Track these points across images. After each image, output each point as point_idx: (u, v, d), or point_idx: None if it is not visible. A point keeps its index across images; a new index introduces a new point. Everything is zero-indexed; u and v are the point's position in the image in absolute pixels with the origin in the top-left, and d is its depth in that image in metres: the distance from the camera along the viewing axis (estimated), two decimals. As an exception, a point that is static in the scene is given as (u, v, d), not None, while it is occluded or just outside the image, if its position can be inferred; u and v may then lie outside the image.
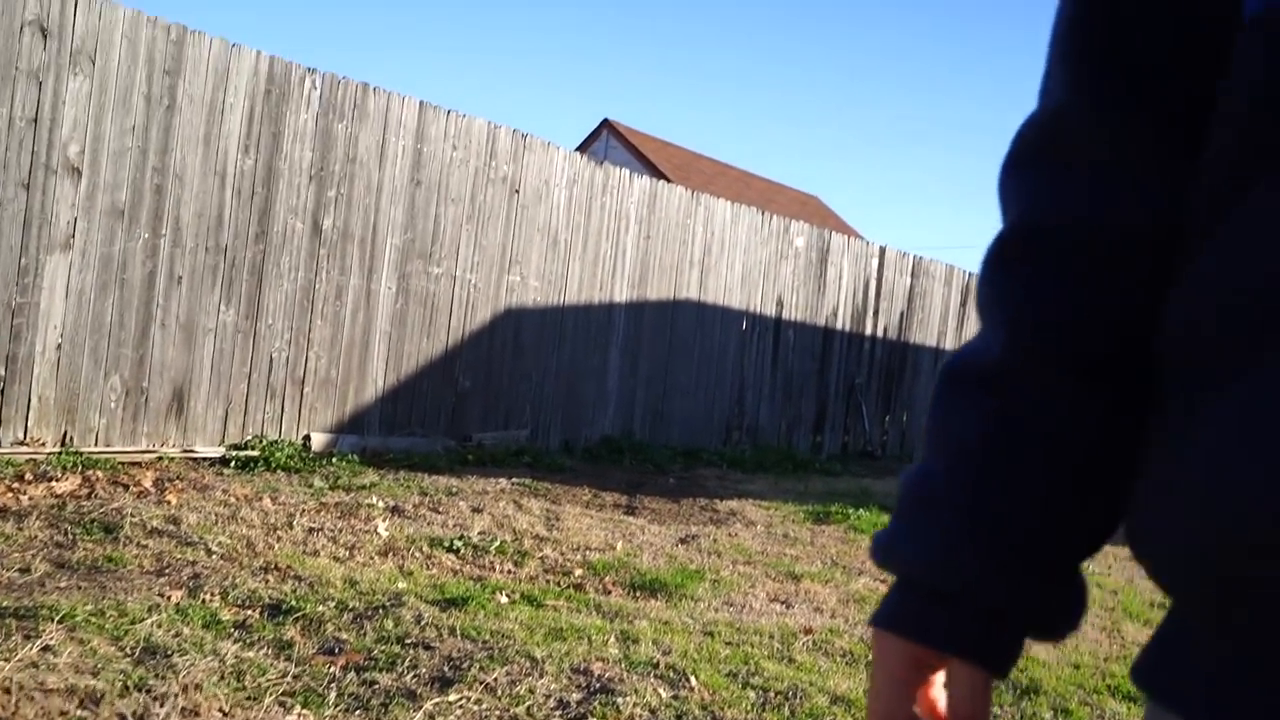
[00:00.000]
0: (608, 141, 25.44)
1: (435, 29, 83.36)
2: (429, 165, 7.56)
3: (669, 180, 11.16)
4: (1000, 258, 0.63)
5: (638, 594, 4.08)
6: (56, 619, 2.74)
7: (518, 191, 8.17)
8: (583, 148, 24.75)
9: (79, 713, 2.11)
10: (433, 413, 7.80)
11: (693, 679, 2.96)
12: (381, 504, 5.44)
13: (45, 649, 2.46)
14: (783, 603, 4.29)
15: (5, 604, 2.89)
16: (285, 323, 6.86)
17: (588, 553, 4.78)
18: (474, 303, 7.97)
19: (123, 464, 5.83)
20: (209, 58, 6.36)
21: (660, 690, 2.83)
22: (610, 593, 4.07)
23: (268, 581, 3.61)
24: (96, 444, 6.04)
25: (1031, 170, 0.63)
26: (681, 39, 74.15)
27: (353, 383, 7.28)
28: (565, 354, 8.71)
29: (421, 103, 7.51)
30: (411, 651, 2.93)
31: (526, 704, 2.61)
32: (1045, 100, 0.64)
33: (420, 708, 2.49)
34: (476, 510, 5.59)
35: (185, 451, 6.38)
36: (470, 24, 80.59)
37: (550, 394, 8.64)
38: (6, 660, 2.30)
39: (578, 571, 4.37)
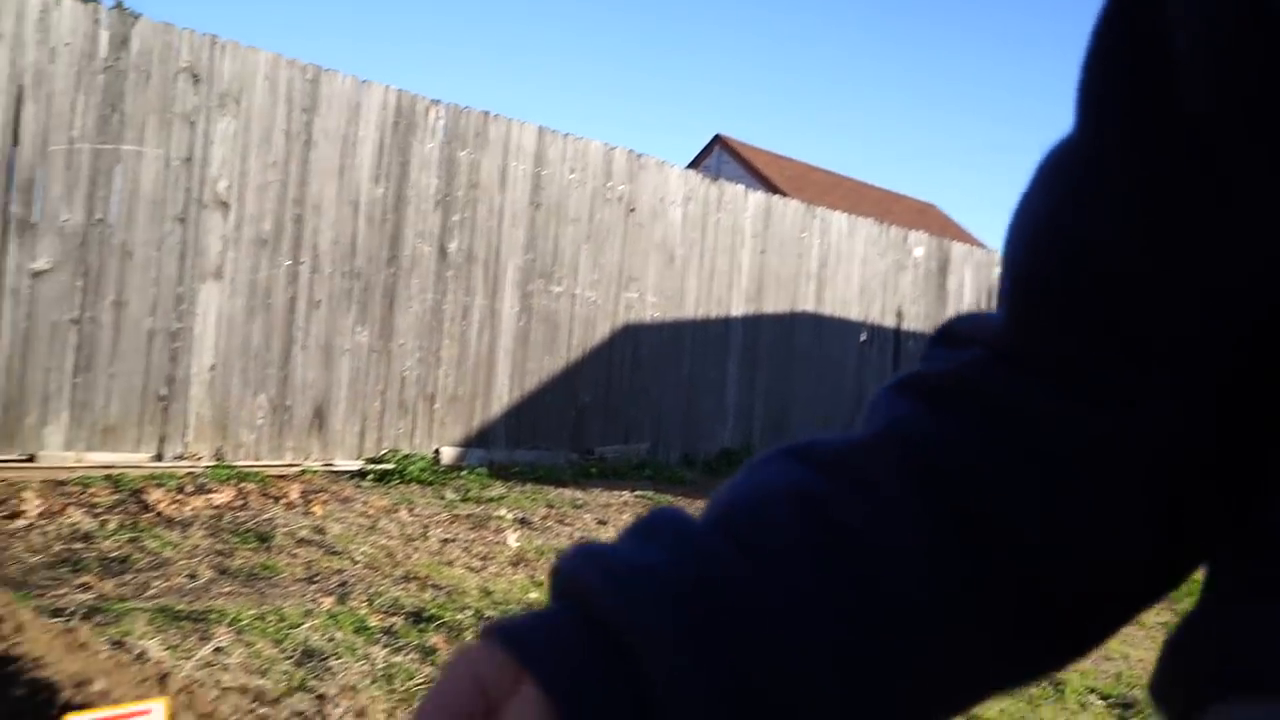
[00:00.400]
0: (720, 156, 25.53)
1: (552, 56, 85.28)
2: (548, 188, 7.79)
3: (783, 193, 11.16)
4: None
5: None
6: (225, 622, 2.98)
7: (633, 210, 8.33)
8: (695, 163, 24.89)
9: (259, 709, 2.30)
10: (555, 427, 8.01)
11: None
12: (510, 516, 5.64)
13: (218, 650, 2.69)
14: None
15: (180, 607, 3.15)
16: (415, 342, 7.17)
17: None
18: (593, 320, 8.16)
19: (270, 477, 6.20)
20: (342, 94, 6.73)
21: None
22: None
23: (408, 590, 3.81)
24: (246, 458, 6.45)
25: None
26: (790, 52, 73.73)
27: (479, 399, 7.55)
28: (683, 368, 8.81)
29: (540, 128, 7.75)
30: (546, 658, 3.07)
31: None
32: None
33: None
34: (601, 522, 5.73)
35: (326, 465, 6.74)
36: (585, 49, 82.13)
37: (669, 408, 8.75)
38: (187, 659, 2.52)
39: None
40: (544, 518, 5.73)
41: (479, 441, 7.54)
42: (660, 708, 0.38)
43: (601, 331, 8.23)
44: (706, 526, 0.45)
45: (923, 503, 0.44)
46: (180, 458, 6.18)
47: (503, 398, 7.68)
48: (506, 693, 0.38)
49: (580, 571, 0.42)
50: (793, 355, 9.65)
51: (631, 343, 8.44)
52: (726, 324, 9.12)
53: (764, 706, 0.39)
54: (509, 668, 0.39)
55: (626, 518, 5.96)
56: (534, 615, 0.42)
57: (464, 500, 6.10)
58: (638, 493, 6.97)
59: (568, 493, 6.75)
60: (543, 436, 7.95)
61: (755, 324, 9.35)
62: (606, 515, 5.98)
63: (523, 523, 5.52)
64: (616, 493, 6.91)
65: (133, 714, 1.16)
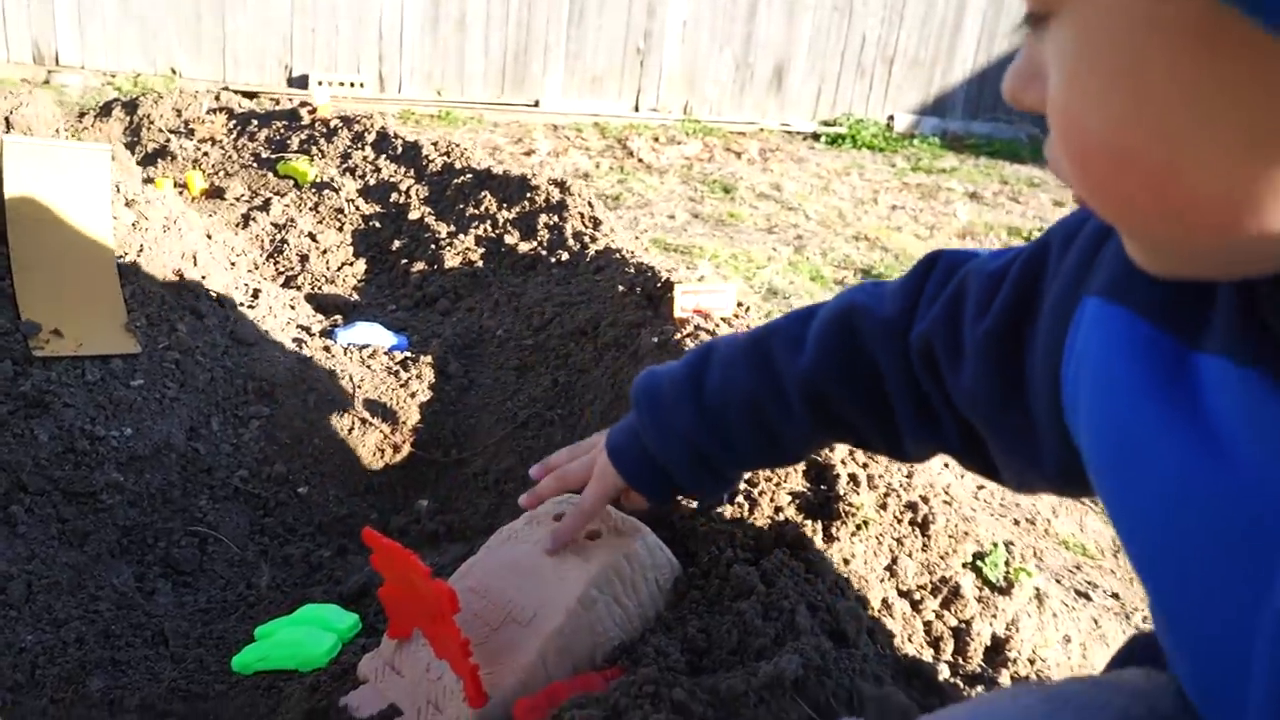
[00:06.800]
0: None
1: None
2: None
3: None
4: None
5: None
6: (706, 257, 3.41)
7: None
8: None
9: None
10: (1020, 99, 7.45)
11: None
12: (961, 189, 5.54)
13: (701, 277, 3.11)
14: None
15: (669, 241, 3.64)
16: None
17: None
18: (1083, -25, 7.19)
19: (731, 133, 6.58)
20: None
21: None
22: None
23: (858, 248, 4.01)
24: (710, 114, 6.85)
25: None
26: None
27: (939, 64, 7.18)
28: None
29: None
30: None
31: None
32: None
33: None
34: (1058, 204, 5.43)
35: (782, 125, 6.96)
36: None
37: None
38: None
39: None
40: (996, 194, 5.55)
41: (934, 110, 7.27)
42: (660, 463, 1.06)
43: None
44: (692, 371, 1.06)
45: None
46: (654, 110, 6.73)
47: (966, 63, 7.23)
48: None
49: (634, 390, 1.08)
50: None
51: None
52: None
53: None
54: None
55: (1090, 201, 5.58)
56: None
57: (914, 169, 6.05)
58: (1106, 176, 6.41)
59: (1024, 170, 6.40)
60: (1004, 107, 7.45)
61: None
62: (1065, 196, 5.64)
63: (973, 196, 5.41)
64: (1081, 174, 6.42)
65: (718, 290, 1.46)
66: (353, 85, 6.00)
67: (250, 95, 5.66)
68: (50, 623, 1.17)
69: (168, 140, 2.88)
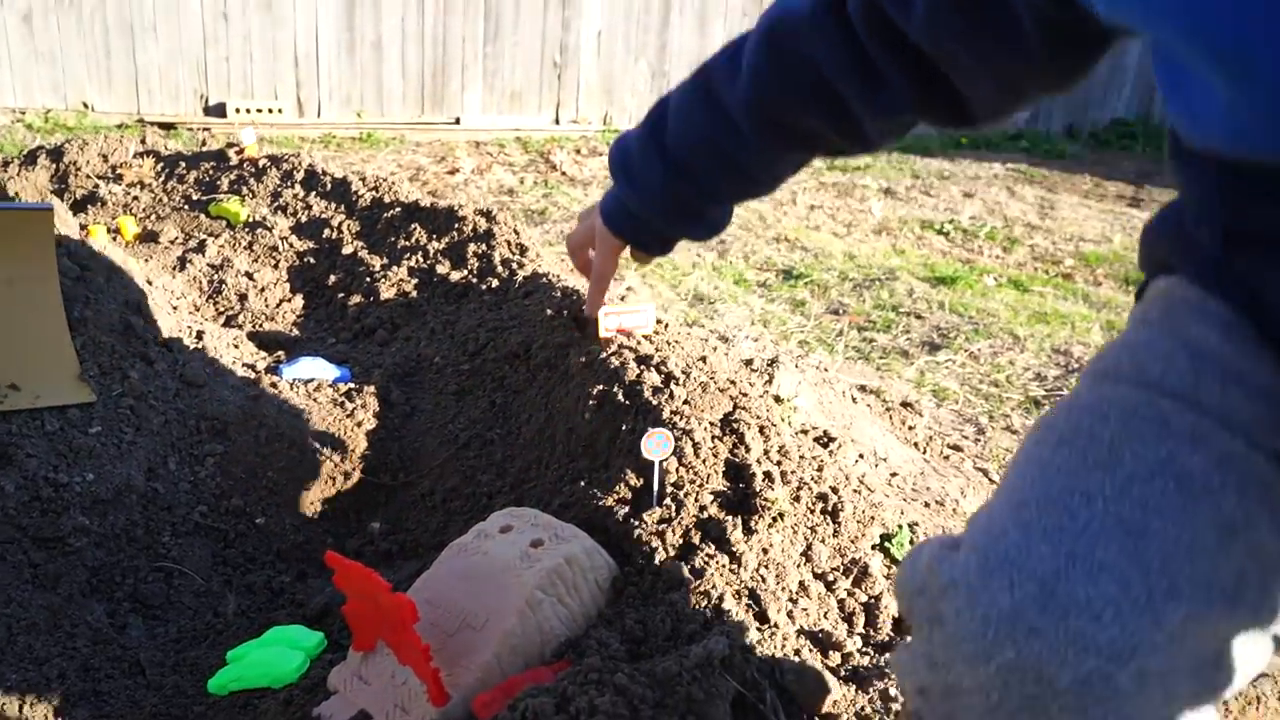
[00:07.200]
0: None
1: None
2: None
3: None
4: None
5: (1130, 288, 4.06)
6: (632, 268, 3.54)
7: None
8: None
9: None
10: (927, 94, 7.75)
11: (1179, 371, 3.04)
12: (875, 185, 5.76)
13: (628, 289, 3.24)
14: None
15: (592, 254, 3.78)
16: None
17: (1081, 243, 4.75)
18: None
19: (652, 142, 6.74)
20: None
21: (1142, 378, 2.96)
22: (1100, 284, 4.09)
23: (779, 250, 4.18)
24: (630, 123, 6.99)
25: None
26: None
27: (849, 64, 7.44)
28: (1077, 27, 7.96)
29: None
30: (904, 319, 3.34)
31: (1006, 373, 2.91)
32: None
33: (912, 364, 2.91)
34: (967, 195, 5.69)
35: (700, 131, 7.14)
36: None
37: (1055, 73, 8.05)
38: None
39: (1068, 261, 4.41)
40: (909, 188, 5.79)
41: (847, 108, 7.53)
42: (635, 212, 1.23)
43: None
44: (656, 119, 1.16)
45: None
46: (574, 122, 6.85)
47: (874, 63, 7.50)
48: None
49: (609, 158, 1.25)
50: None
51: (1020, -1, 7.71)
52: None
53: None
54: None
55: (994, 191, 5.85)
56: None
57: (830, 168, 6.27)
58: (1009, 166, 6.72)
59: (935, 163, 6.67)
60: (913, 104, 7.74)
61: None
62: (973, 188, 5.91)
63: (887, 192, 5.64)
64: (986, 164, 6.72)
65: (637, 310, 1.59)
66: (271, 111, 6.01)
67: (167, 126, 5.64)
68: (32, 661, 1.25)
69: (96, 186, 2.92)
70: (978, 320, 3.38)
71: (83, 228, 2.54)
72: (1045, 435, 0.70)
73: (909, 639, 0.74)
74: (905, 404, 2.57)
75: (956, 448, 2.34)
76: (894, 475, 2.05)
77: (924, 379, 2.83)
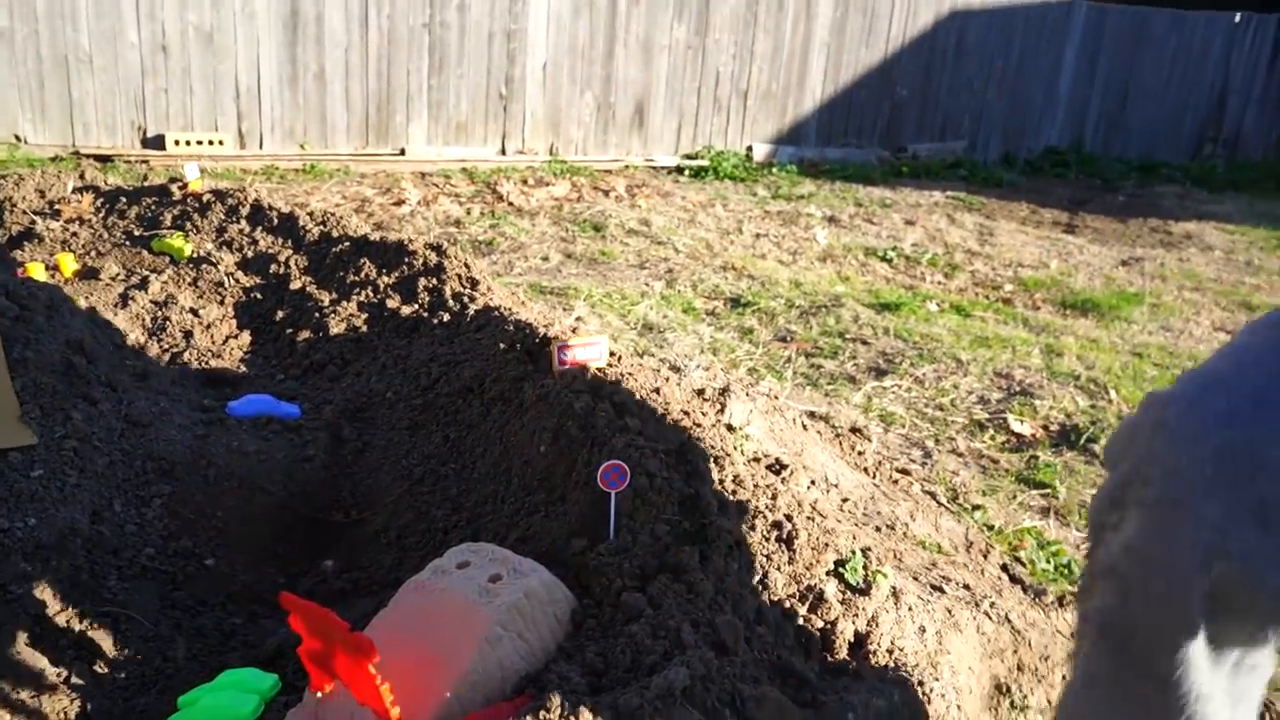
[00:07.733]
0: None
1: None
2: None
3: None
4: None
5: (1067, 312, 4.17)
6: (580, 297, 3.56)
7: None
8: None
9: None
10: (868, 124, 7.91)
11: (1113, 393, 3.12)
12: (819, 213, 5.86)
13: (578, 319, 3.25)
14: (1229, 333, 4.14)
15: (544, 284, 3.78)
16: (730, 37, 7.21)
17: (1019, 269, 4.87)
18: (916, 7, 7.72)
19: (598, 171, 6.78)
20: None
21: (1078, 399, 3.05)
22: (1039, 309, 4.20)
23: (726, 278, 4.23)
24: (575, 154, 7.04)
25: None
26: None
27: (792, 95, 7.57)
28: (1012, 56, 8.21)
29: None
30: (850, 345, 3.40)
31: (950, 396, 2.97)
32: None
33: (859, 389, 2.96)
34: (909, 223, 5.81)
35: (646, 160, 7.21)
36: None
37: (992, 101, 8.29)
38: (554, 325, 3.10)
39: (1008, 287, 4.52)
40: (852, 216, 5.89)
41: (790, 139, 7.65)
42: None
43: (925, 19, 7.78)
44: None
45: None
46: (520, 153, 6.87)
47: (815, 93, 7.64)
48: None
49: None
50: (1144, 38, 8.64)
51: (957, 30, 7.94)
52: (1070, 6, 8.26)
53: None
54: None
55: (935, 219, 5.99)
56: None
57: (775, 197, 6.36)
58: (949, 194, 6.88)
59: (876, 191, 6.81)
60: (854, 134, 7.90)
61: (1101, 9, 8.39)
62: (915, 216, 6.04)
63: (831, 220, 5.73)
64: (926, 193, 6.87)
65: (591, 343, 1.60)
66: (211, 143, 5.94)
67: (104, 159, 5.54)
68: (-27, 715, 1.21)
69: (33, 222, 2.86)
70: (922, 345, 3.45)
71: (20, 265, 2.48)
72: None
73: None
74: (854, 429, 2.61)
75: (905, 471, 2.38)
76: (845, 500, 2.08)
77: (871, 404, 2.87)
